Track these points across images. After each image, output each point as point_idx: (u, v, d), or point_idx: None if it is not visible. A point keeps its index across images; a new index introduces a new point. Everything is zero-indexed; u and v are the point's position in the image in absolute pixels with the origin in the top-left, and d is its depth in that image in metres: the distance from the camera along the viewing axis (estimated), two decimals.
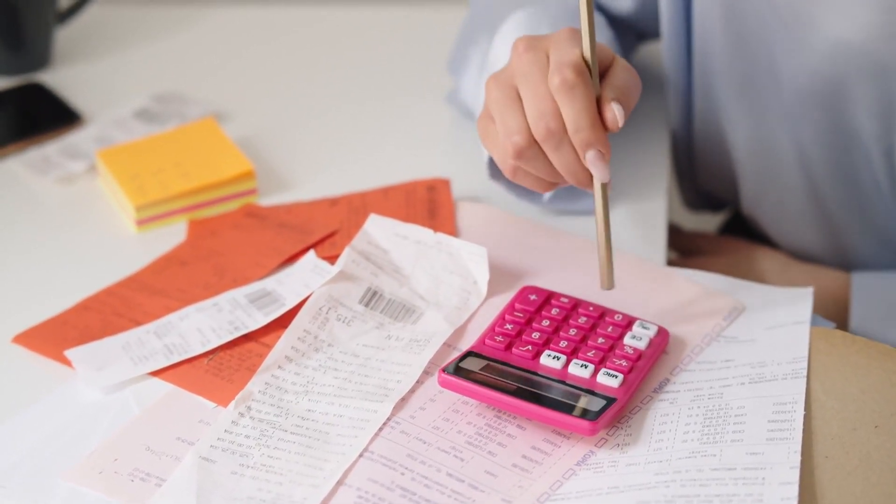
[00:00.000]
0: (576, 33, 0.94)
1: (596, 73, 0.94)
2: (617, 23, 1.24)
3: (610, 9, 1.22)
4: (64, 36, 1.41)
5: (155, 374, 0.97)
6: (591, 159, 0.92)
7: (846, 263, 1.21)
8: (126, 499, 0.87)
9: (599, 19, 1.18)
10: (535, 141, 0.93)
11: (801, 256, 1.24)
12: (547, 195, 1.11)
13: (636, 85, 0.96)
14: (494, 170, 1.10)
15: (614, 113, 0.93)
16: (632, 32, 1.27)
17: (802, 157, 1.15)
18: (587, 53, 0.93)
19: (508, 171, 0.96)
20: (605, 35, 1.16)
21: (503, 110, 0.94)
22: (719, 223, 1.46)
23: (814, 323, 0.98)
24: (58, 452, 0.91)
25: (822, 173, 1.15)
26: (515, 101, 0.94)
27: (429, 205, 1.12)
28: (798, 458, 0.85)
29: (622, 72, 0.95)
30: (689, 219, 1.52)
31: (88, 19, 1.44)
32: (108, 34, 1.42)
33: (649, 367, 0.94)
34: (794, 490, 0.83)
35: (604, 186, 0.94)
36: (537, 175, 0.96)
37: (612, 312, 0.98)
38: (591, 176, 0.94)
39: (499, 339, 0.95)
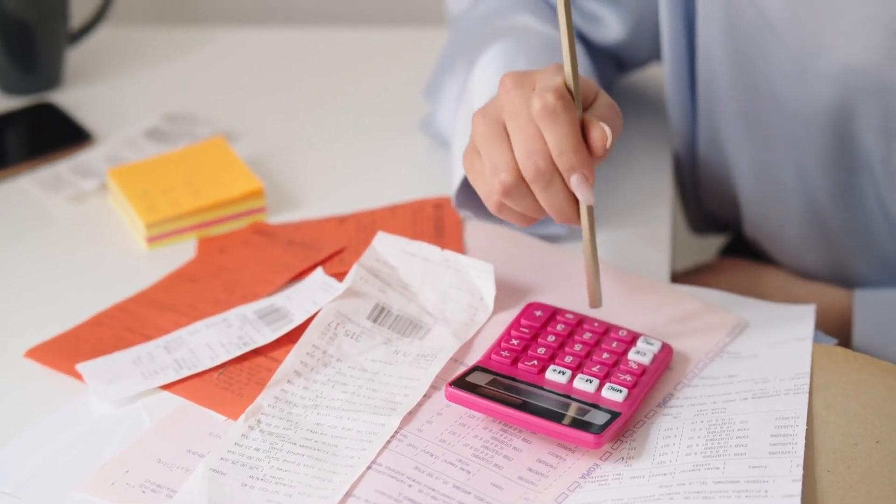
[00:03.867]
0: (560, 68, 0.94)
1: (579, 99, 0.93)
2: (597, 54, 1.25)
3: (595, 39, 1.23)
4: (75, 56, 1.42)
5: (166, 387, 0.98)
6: (575, 183, 0.92)
7: (848, 283, 1.22)
8: None
9: (579, 48, 1.18)
10: (523, 179, 0.93)
11: (803, 276, 1.25)
12: None
13: (618, 120, 0.95)
14: (461, 199, 1.11)
15: (602, 130, 0.92)
16: (611, 63, 1.27)
17: (805, 180, 1.16)
18: (569, 80, 0.93)
19: (493, 207, 0.96)
20: (584, 63, 1.16)
21: (490, 146, 0.94)
22: (722, 244, 1.47)
23: (815, 340, 0.99)
24: (71, 464, 0.93)
25: (824, 196, 1.16)
26: (503, 137, 0.94)
27: (436, 223, 1.14)
28: (800, 471, 0.86)
29: (604, 107, 0.95)
30: (693, 240, 1.53)
31: (99, 40, 1.45)
32: (119, 55, 1.44)
33: (653, 383, 0.95)
34: (796, 502, 0.84)
35: (589, 209, 0.94)
36: (522, 212, 0.96)
37: (617, 328, 0.99)
38: (577, 212, 0.94)
39: (505, 354, 0.96)
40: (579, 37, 1.23)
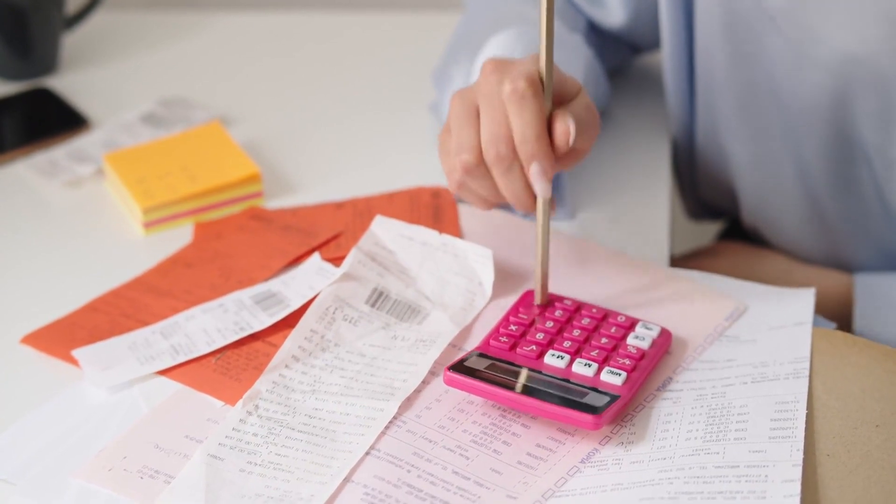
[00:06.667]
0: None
1: (549, 90, 0.94)
2: (609, 37, 1.25)
3: (602, 23, 1.23)
4: (71, 42, 1.42)
5: (164, 373, 0.98)
6: (533, 173, 0.93)
7: (846, 270, 1.22)
8: (135, 496, 0.88)
9: (577, 39, 1.19)
10: (484, 162, 0.94)
11: (802, 261, 1.25)
12: None
13: (593, 121, 0.95)
14: None
15: (566, 125, 0.93)
16: (625, 45, 1.27)
17: (803, 169, 1.16)
18: (542, 70, 0.93)
19: (454, 186, 0.97)
20: (581, 54, 1.16)
21: (460, 126, 0.95)
22: (719, 229, 1.47)
23: (815, 323, 0.98)
24: (68, 451, 0.92)
25: (822, 185, 1.16)
26: (473, 118, 0.95)
27: (433, 210, 1.13)
28: (800, 455, 0.86)
29: (581, 106, 0.95)
30: (689, 227, 1.53)
31: (95, 25, 1.45)
32: (115, 40, 1.43)
33: (652, 367, 0.95)
34: (796, 487, 0.84)
35: (545, 203, 0.94)
36: (482, 194, 0.97)
37: (615, 314, 0.99)
38: (534, 201, 0.95)
39: (503, 339, 0.96)
40: (588, 21, 1.23)
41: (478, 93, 0.95)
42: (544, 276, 0.97)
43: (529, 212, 0.95)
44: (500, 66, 0.94)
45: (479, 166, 0.94)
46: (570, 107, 0.95)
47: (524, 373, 0.93)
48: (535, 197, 0.95)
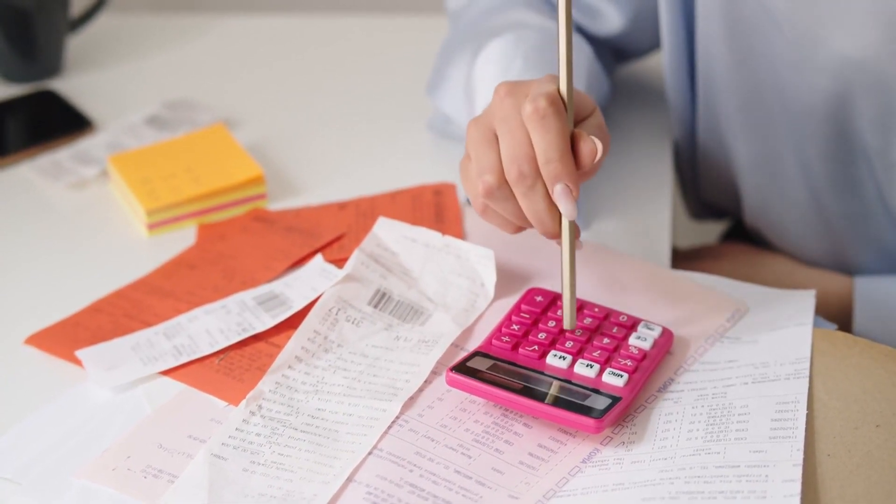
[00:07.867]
0: (555, 78, 0.94)
1: (571, 110, 0.93)
2: (595, 46, 1.25)
3: (593, 32, 1.22)
4: (76, 44, 1.42)
5: (167, 373, 0.98)
6: (558, 193, 0.91)
7: (848, 271, 1.23)
8: (139, 495, 0.89)
9: (576, 38, 1.18)
10: (507, 182, 0.93)
11: (804, 263, 1.25)
12: None
13: (605, 143, 0.94)
14: None
15: (593, 143, 0.92)
16: (610, 55, 1.27)
17: (805, 170, 1.16)
18: (563, 89, 0.92)
19: (479, 209, 0.96)
20: (581, 52, 1.16)
21: (479, 150, 0.94)
22: (722, 230, 1.47)
23: (816, 325, 0.99)
24: (72, 451, 0.93)
25: (824, 186, 1.16)
26: (492, 141, 0.93)
27: (435, 208, 1.14)
28: (801, 455, 0.86)
29: (594, 127, 0.95)
30: (692, 226, 1.53)
31: (100, 28, 1.45)
32: (120, 42, 1.44)
33: (654, 368, 0.96)
34: (796, 487, 0.84)
35: (571, 225, 0.93)
36: (506, 217, 0.96)
37: (617, 314, 0.99)
38: (558, 224, 0.93)
39: (505, 339, 0.96)
40: (578, 30, 1.23)
41: (493, 117, 0.94)
42: (572, 299, 0.95)
43: (552, 237, 0.93)
44: (515, 88, 0.94)
45: (502, 187, 0.93)
46: (584, 127, 0.94)
47: (526, 374, 0.93)
48: (558, 219, 0.93)
